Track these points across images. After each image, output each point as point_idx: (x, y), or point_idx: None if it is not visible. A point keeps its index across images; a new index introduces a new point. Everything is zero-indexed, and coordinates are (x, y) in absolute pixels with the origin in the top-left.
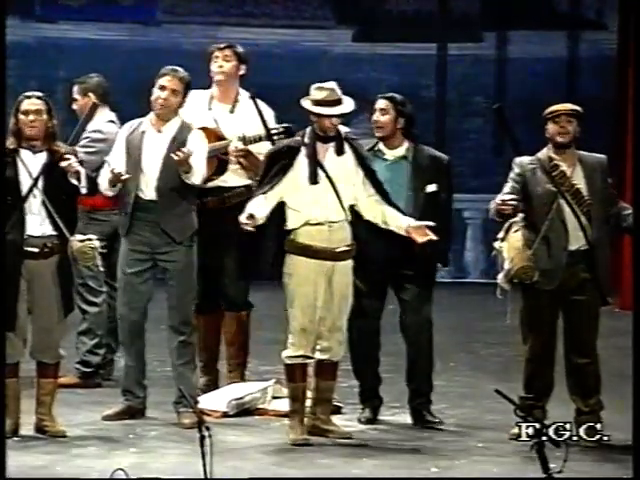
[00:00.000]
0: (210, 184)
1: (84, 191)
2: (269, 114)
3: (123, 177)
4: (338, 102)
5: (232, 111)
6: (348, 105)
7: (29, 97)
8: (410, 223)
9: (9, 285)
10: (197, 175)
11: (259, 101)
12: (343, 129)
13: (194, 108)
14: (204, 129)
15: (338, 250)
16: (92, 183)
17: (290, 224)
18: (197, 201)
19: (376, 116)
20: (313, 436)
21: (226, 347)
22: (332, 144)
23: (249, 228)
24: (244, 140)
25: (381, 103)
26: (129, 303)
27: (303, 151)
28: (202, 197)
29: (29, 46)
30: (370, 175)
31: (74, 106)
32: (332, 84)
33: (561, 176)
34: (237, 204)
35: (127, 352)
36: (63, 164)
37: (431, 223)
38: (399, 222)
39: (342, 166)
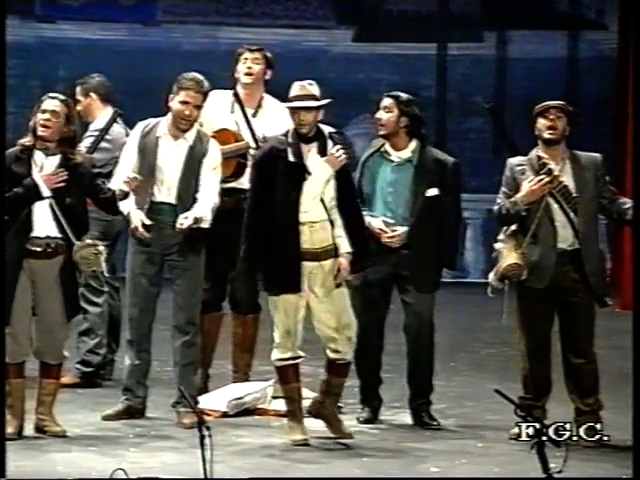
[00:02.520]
0: (226, 185)
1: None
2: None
3: (138, 179)
4: (312, 98)
5: (254, 115)
6: (318, 101)
7: (52, 98)
8: (345, 254)
9: (8, 281)
10: (207, 214)
11: (277, 103)
12: (327, 129)
13: (216, 109)
14: (224, 130)
15: (320, 250)
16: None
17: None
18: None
19: (379, 114)
20: (315, 418)
21: (232, 347)
22: (315, 144)
23: None
24: (264, 141)
25: (385, 101)
26: (138, 304)
27: (288, 151)
28: None
29: (29, 46)
30: (342, 179)
31: (78, 107)
32: (309, 82)
33: (548, 174)
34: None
35: (133, 352)
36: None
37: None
38: (339, 243)
39: (324, 166)
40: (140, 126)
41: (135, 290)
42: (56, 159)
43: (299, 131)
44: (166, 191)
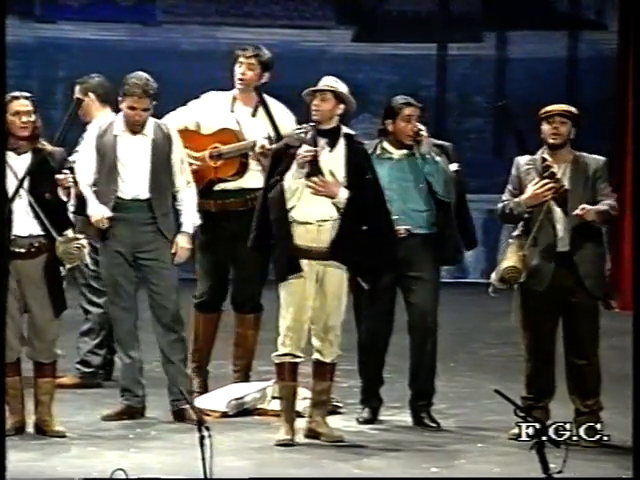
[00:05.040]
0: (231, 185)
1: (71, 209)
2: (289, 118)
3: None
4: (331, 92)
5: (254, 114)
6: (335, 86)
7: (17, 98)
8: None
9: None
10: (187, 181)
11: (278, 104)
12: (346, 129)
13: (216, 110)
14: (225, 130)
15: (327, 249)
16: (81, 203)
17: None
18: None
19: (415, 126)
20: (310, 439)
21: (233, 347)
22: (327, 139)
23: None
24: (269, 139)
25: (418, 111)
26: (119, 303)
27: (304, 147)
28: (224, 199)
29: (29, 46)
30: (354, 179)
31: None
32: (334, 79)
33: (551, 177)
34: (253, 207)
35: (123, 351)
36: (59, 177)
37: None
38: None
39: (334, 161)
40: (94, 128)
41: (113, 290)
42: (28, 156)
43: (313, 118)
44: (134, 187)
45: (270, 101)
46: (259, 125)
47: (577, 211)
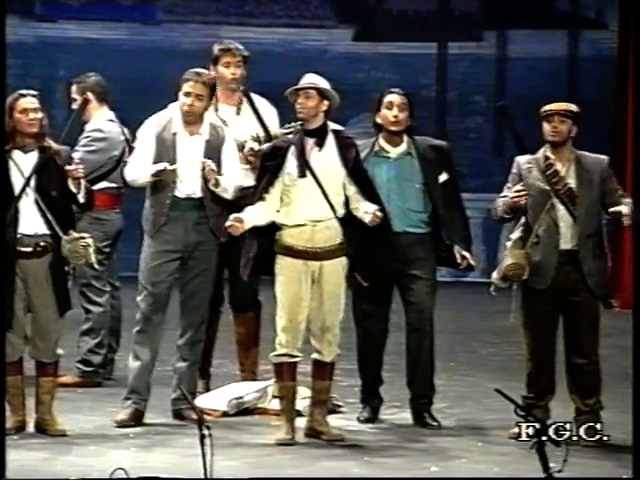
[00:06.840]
0: None
1: (81, 200)
2: (272, 113)
3: (170, 168)
4: (314, 88)
5: (238, 113)
6: (319, 83)
7: (24, 95)
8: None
9: (4, 284)
10: (230, 187)
11: (260, 99)
12: (333, 126)
13: None
14: None
15: (324, 250)
16: (90, 195)
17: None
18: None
19: (395, 112)
20: (311, 438)
21: (237, 347)
22: (315, 139)
23: (234, 232)
24: (258, 140)
25: (400, 99)
26: (155, 304)
27: (292, 149)
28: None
29: (29, 46)
30: (354, 173)
31: (74, 106)
32: (316, 76)
33: (554, 175)
34: (246, 205)
35: (143, 352)
36: (69, 168)
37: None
38: (366, 208)
39: (325, 160)
40: (154, 120)
41: (149, 289)
42: (34, 155)
43: (299, 117)
44: (189, 186)
45: (254, 97)
46: (245, 123)
47: (624, 219)
